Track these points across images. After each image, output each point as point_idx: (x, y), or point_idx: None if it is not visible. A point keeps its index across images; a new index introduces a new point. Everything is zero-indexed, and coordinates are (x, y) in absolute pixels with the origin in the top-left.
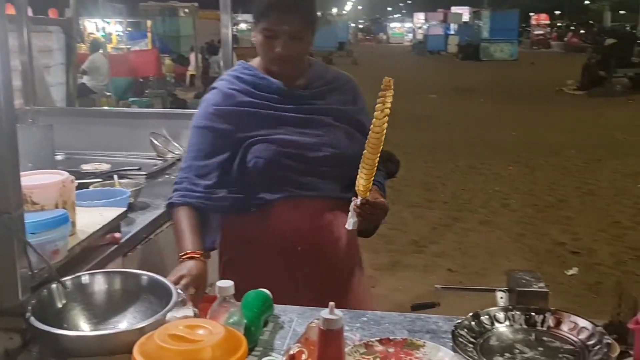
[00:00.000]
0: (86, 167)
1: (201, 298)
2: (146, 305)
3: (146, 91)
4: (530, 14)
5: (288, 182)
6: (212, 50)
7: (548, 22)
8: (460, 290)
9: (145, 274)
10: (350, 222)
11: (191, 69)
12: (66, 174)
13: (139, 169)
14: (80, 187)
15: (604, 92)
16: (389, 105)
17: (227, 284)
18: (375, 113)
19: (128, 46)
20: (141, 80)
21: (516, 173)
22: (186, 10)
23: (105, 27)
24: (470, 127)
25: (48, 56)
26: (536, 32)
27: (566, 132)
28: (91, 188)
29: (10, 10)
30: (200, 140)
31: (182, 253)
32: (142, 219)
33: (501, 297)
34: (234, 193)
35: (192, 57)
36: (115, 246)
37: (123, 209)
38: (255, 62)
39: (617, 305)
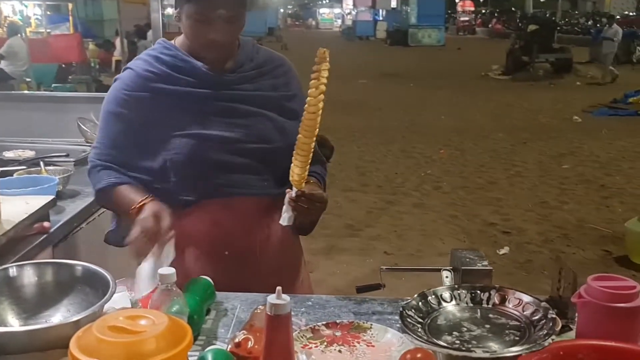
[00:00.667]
0: (8, 155)
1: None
2: (81, 297)
3: (70, 77)
4: (456, 0)
5: (212, 181)
6: (140, 34)
7: (473, 8)
8: (406, 271)
9: (79, 264)
10: (285, 218)
11: (117, 55)
12: None
13: (66, 155)
14: (2, 175)
15: (528, 77)
16: (324, 80)
17: (169, 271)
18: (310, 90)
19: (48, 30)
20: (64, 66)
21: (447, 156)
22: None
23: (23, 10)
24: (401, 112)
25: None
26: (462, 19)
27: (493, 115)
28: (15, 176)
29: None
30: (110, 127)
31: (132, 207)
32: (73, 207)
33: (447, 277)
34: (154, 191)
35: (117, 42)
36: (45, 236)
37: (51, 197)
38: (179, 41)
39: (556, 280)
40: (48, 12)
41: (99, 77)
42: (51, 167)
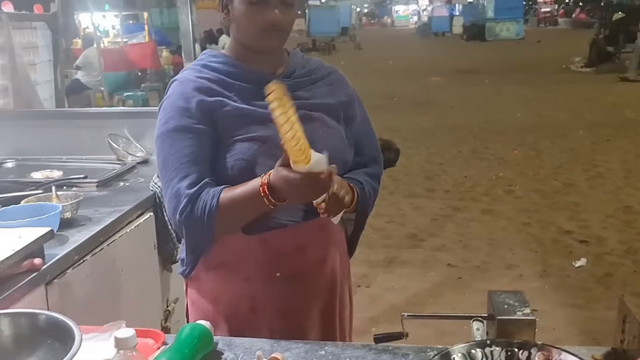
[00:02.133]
0: (36, 175)
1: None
2: (45, 352)
3: (142, 85)
4: None
5: None
6: (211, 39)
7: None
8: (431, 319)
9: (44, 313)
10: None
11: None
12: None
13: (85, 177)
14: (14, 201)
15: (613, 69)
16: (281, 117)
17: (127, 334)
18: (283, 129)
19: (125, 40)
20: (139, 73)
21: (521, 157)
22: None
23: (100, 22)
24: (474, 110)
25: (33, 53)
26: (543, 10)
27: (573, 111)
28: (23, 203)
29: None
30: (181, 144)
31: (260, 185)
32: (78, 237)
33: (477, 329)
34: None
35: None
36: (35, 274)
37: (47, 229)
38: (225, 51)
39: (620, 330)
40: (130, 21)
41: None
42: (63, 192)
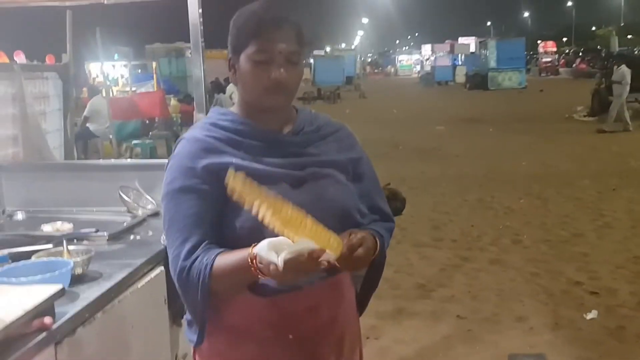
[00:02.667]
0: (46, 228)
1: None
2: None
3: (150, 133)
4: (538, 41)
5: None
6: (219, 88)
7: (555, 49)
8: None
9: None
10: None
11: None
12: None
13: (96, 231)
14: (25, 256)
15: (616, 118)
16: (255, 205)
17: None
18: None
19: (133, 88)
20: (147, 122)
21: (527, 206)
22: None
23: (109, 71)
24: (479, 159)
25: (44, 103)
26: (544, 60)
27: (578, 160)
28: (33, 258)
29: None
30: (186, 205)
31: (250, 258)
32: (88, 294)
33: None
34: None
35: None
36: (45, 334)
37: (58, 287)
38: (234, 109)
39: None
40: (139, 71)
41: (180, 131)
42: (75, 247)
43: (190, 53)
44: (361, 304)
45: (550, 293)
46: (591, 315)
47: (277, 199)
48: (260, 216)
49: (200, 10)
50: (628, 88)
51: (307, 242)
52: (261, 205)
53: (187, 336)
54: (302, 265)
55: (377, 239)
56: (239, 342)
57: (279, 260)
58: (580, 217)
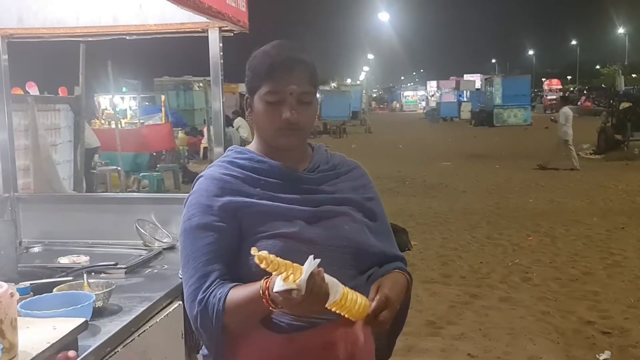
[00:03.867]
0: (63, 261)
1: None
2: None
3: (158, 165)
4: (542, 79)
5: None
6: (227, 121)
7: (560, 86)
8: None
9: None
10: None
11: (204, 142)
12: (5, 286)
13: (115, 264)
14: (46, 288)
15: (622, 156)
16: (289, 277)
17: None
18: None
19: (142, 120)
20: (154, 154)
21: (536, 243)
22: (200, 84)
23: (118, 103)
24: (486, 195)
25: (55, 134)
26: (549, 97)
27: (585, 198)
28: (55, 291)
29: (17, 90)
30: (202, 242)
31: (262, 290)
32: (110, 328)
33: None
34: None
35: (205, 130)
36: None
37: (82, 320)
38: (251, 146)
39: None
40: (146, 103)
41: (186, 164)
42: (94, 280)
43: (198, 86)
44: (388, 346)
45: (562, 332)
46: (604, 355)
47: (301, 268)
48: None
49: (221, 45)
50: (570, 129)
51: (311, 262)
52: (288, 276)
53: None
54: (319, 284)
55: (408, 278)
56: None
57: (300, 282)
58: (590, 255)
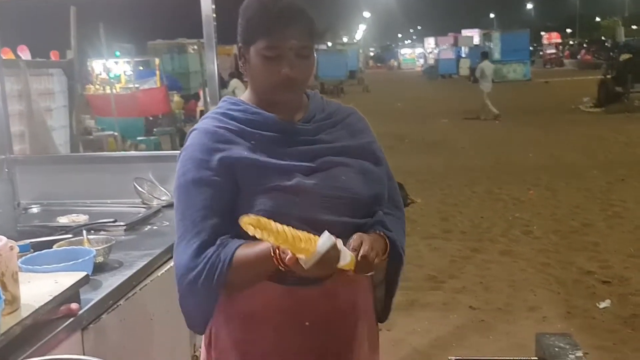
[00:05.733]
0: (62, 220)
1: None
2: None
3: (155, 129)
4: (542, 33)
5: None
6: (221, 84)
7: (559, 40)
8: None
9: (89, 359)
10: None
11: (201, 105)
12: (4, 239)
13: (114, 221)
14: (46, 245)
15: (622, 108)
16: (271, 239)
17: None
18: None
19: (137, 85)
20: (151, 118)
21: (537, 197)
22: (195, 47)
23: (112, 68)
24: (486, 151)
25: (49, 99)
26: (548, 51)
27: (586, 151)
28: (55, 247)
29: (8, 54)
30: (198, 197)
31: (273, 249)
32: (111, 282)
33: None
34: None
35: (201, 92)
36: (72, 319)
37: (83, 274)
38: (245, 97)
39: None
40: (140, 68)
41: (183, 127)
42: (94, 236)
43: (193, 49)
44: (386, 307)
45: (562, 283)
46: (604, 304)
47: (290, 231)
48: (279, 244)
49: (214, 6)
50: (488, 82)
51: (328, 237)
52: (276, 241)
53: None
54: (327, 261)
55: (387, 239)
56: (254, 328)
57: (314, 257)
58: (590, 207)
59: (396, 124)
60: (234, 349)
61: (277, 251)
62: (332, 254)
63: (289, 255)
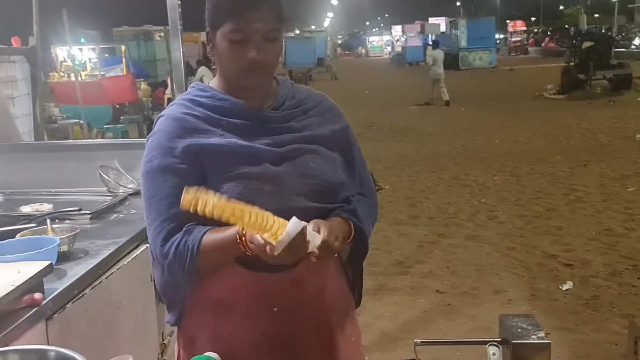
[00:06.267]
0: (25, 209)
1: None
2: None
3: (121, 117)
4: (507, 21)
5: None
6: (189, 71)
7: (524, 28)
8: (445, 344)
9: (53, 350)
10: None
11: (168, 93)
12: None
13: (79, 210)
14: (8, 235)
15: (585, 95)
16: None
17: None
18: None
19: (102, 73)
20: (117, 106)
21: (502, 183)
22: (161, 34)
23: (77, 55)
24: (452, 137)
25: (12, 87)
26: (513, 39)
27: (549, 137)
28: (18, 237)
29: None
30: (164, 184)
31: (239, 235)
32: (76, 271)
33: (494, 354)
34: None
35: (168, 80)
36: (36, 309)
37: (47, 263)
38: (213, 83)
39: (632, 351)
40: (106, 55)
41: (151, 115)
42: (58, 225)
43: (160, 36)
44: (356, 293)
45: (527, 266)
46: (566, 286)
47: (239, 205)
48: (243, 224)
49: None
50: (440, 68)
51: (297, 222)
52: (225, 216)
53: (166, 318)
54: (296, 246)
55: (352, 224)
56: (223, 314)
57: (280, 242)
58: (554, 192)
59: (364, 111)
60: (204, 334)
61: (243, 237)
62: (300, 239)
63: (257, 241)
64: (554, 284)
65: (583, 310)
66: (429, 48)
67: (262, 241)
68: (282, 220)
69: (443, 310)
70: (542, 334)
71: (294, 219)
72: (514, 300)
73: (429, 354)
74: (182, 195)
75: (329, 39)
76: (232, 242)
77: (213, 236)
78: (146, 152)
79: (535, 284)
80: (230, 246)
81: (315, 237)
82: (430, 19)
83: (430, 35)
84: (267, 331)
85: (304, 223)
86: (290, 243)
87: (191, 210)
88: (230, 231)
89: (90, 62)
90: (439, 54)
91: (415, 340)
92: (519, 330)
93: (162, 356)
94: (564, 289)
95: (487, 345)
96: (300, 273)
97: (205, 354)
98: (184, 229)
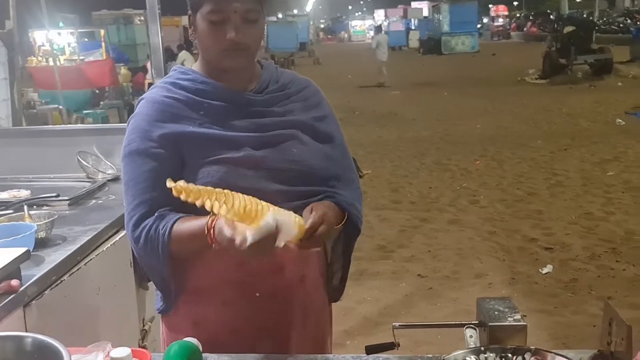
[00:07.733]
0: (3, 195)
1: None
2: None
3: (101, 102)
4: (489, 5)
5: None
6: (170, 56)
7: (507, 13)
8: (424, 327)
9: (30, 336)
10: None
11: (149, 78)
12: None
13: (56, 196)
14: None
15: (566, 80)
16: (206, 205)
17: (123, 353)
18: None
19: (81, 57)
20: (97, 91)
21: (483, 167)
22: (141, 18)
23: (55, 39)
24: (435, 122)
25: None
26: (496, 24)
27: (531, 122)
28: None
29: None
30: (142, 168)
31: (207, 228)
32: (54, 257)
33: (470, 336)
34: None
35: (149, 65)
36: (13, 296)
37: (24, 249)
38: (195, 66)
39: (606, 333)
40: (85, 39)
41: (132, 100)
42: (36, 212)
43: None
44: (341, 283)
45: (507, 250)
46: (546, 269)
47: (225, 193)
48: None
49: None
50: (385, 52)
51: (270, 219)
52: (213, 204)
53: (155, 304)
54: (265, 245)
55: (345, 209)
56: (204, 300)
57: (248, 237)
58: (535, 176)
59: (347, 96)
60: (186, 320)
61: (212, 230)
62: (268, 239)
63: (224, 236)
64: (534, 267)
65: (562, 293)
66: (377, 33)
67: (230, 235)
68: (271, 207)
69: (424, 294)
70: (518, 316)
71: (270, 215)
72: (495, 283)
73: (410, 338)
74: (167, 183)
75: (311, 23)
76: (201, 234)
77: (185, 224)
78: (126, 134)
79: (515, 267)
80: (200, 237)
81: (290, 227)
82: (412, 3)
83: (412, 20)
84: (248, 318)
85: (274, 223)
86: (259, 240)
87: (182, 198)
88: (201, 221)
89: (69, 46)
90: (383, 37)
91: (393, 324)
92: (496, 312)
93: (142, 342)
94: (543, 272)
95: (464, 328)
96: (281, 259)
97: (185, 339)
98: (156, 214)
